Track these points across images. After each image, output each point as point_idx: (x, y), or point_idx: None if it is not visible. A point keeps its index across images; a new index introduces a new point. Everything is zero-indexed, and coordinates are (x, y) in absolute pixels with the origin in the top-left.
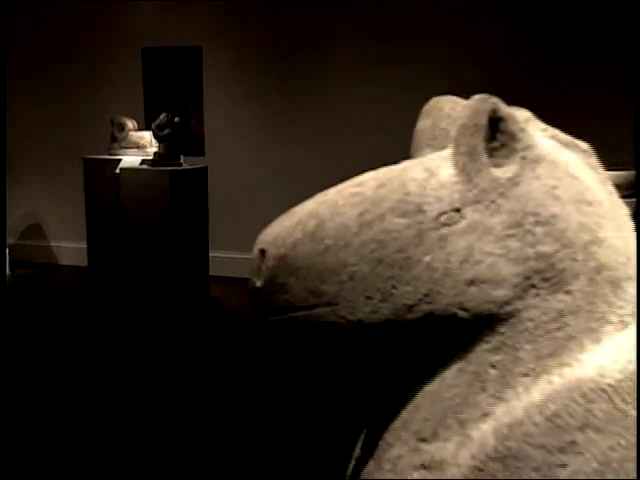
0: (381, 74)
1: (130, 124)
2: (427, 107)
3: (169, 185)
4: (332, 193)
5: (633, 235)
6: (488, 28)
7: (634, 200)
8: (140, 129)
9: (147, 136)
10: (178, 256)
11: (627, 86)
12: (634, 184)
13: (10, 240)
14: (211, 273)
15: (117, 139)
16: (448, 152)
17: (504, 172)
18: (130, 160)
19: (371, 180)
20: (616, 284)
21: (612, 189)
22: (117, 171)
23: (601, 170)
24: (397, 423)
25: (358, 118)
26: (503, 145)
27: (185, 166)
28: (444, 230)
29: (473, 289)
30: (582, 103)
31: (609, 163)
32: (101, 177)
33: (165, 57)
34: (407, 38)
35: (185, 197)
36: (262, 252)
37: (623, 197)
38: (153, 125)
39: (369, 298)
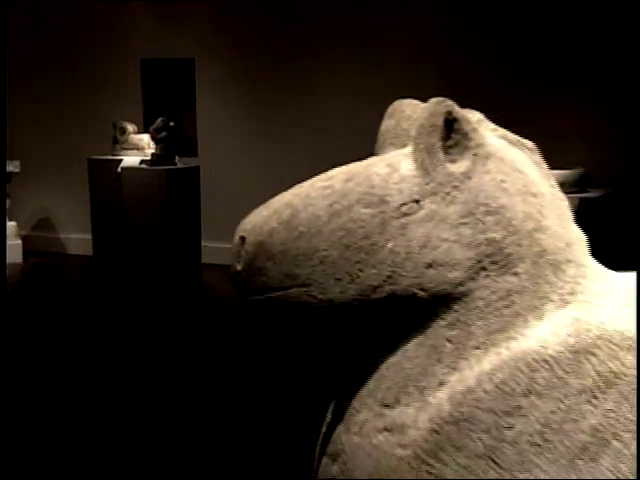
0: (362, 82)
1: (130, 128)
2: (390, 109)
3: (165, 182)
4: (305, 186)
5: (572, 223)
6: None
7: (577, 196)
8: (139, 132)
9: (146, 138)
10: (173, 245)
11: (583, 91)
12: (577, 182)
13: (23, 232)
14: (203, 261)
15: (119, 141)
16: (408, 150)
17: (458, 167)
18: (130, 160)
19: (340, 174)
20: (557, 267)
21: (554, 182)
22: (119, 170)
23: (544, 166)
24: (363, 391)
25: (340, 122)
26: (457, 143)
27: (180, 165)
28: (405, 219)
29: (431, 271)
30: (535, 106)
31: (562, 163)
32: (104, 175)
33: (162, 68)
34: (391, 45)
35: (180, 193)
36: (242, 239)
37: (567, 193)
38: (151, 129)
39: (338, 280)
